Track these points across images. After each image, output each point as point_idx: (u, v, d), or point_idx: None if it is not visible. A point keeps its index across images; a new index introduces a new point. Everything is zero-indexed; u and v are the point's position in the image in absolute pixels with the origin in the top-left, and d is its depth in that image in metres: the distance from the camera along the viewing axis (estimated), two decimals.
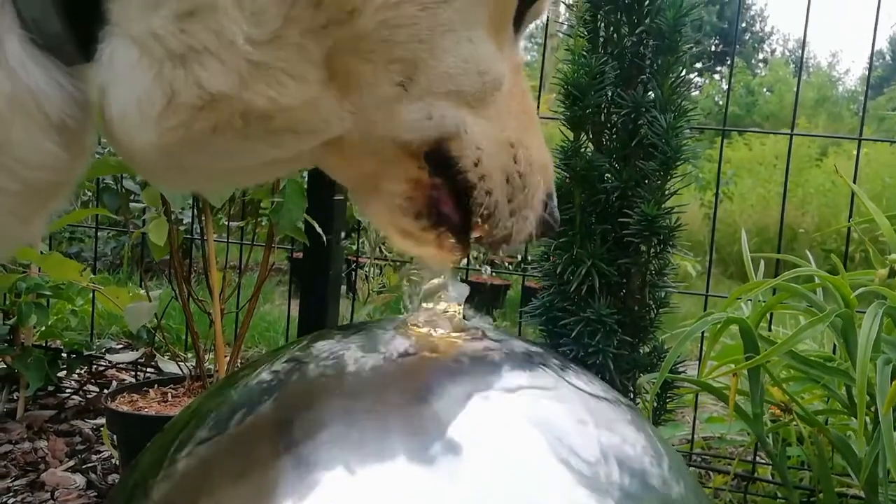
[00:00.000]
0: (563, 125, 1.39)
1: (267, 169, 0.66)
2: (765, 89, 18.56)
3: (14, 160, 0.53)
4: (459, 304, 0.72)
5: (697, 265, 4.76)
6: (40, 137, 0.53)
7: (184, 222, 1.80)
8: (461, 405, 0.58)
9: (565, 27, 1.44)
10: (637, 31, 1.36)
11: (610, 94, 1.37)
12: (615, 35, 1.39)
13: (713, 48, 21.60)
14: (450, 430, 0.55)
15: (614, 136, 1.39)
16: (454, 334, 0.70)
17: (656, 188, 1.33)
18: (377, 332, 0.70)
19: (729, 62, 20.30)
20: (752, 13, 25.73)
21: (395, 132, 0.60)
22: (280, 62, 0.53)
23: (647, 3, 1.36)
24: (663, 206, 1.32)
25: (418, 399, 0.58)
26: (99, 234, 4.30)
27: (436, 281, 0.72)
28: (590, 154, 1.38)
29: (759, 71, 21.96)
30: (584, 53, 1.37)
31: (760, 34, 26.27)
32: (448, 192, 0.65)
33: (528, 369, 0.67)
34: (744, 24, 24.70)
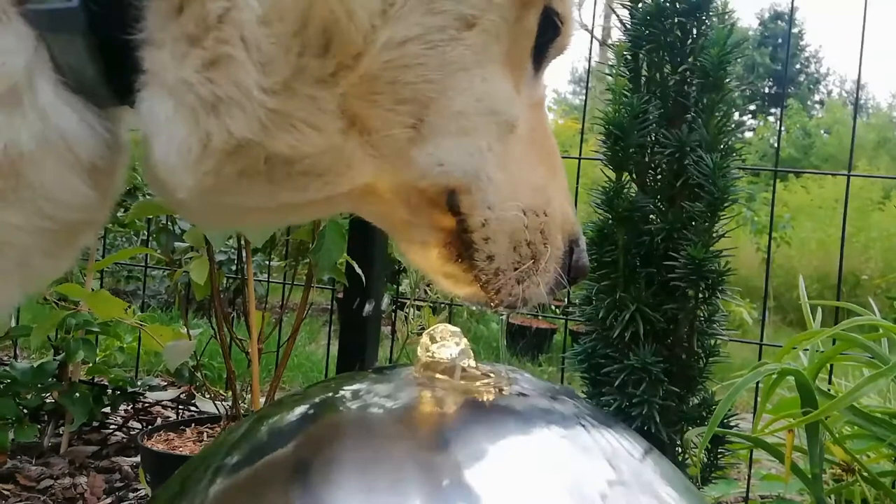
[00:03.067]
0: (606, 166, 1.36)
1: (301, 210, 0.67)
2: (822, 131, 18.15)
3: (46, 199, 0.54)
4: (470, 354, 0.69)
5: (754, 311, 4.59)
6: (71, 178, 0.55)
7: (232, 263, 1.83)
8: (480, 456, 0.55)
9: (607, 67, 1.42)
10: (680, 70, 1.33)
11: (654, 134, 1.34)
12: (658, 74, 1.36)
13: (767, 90, 21.30)
14: (467, 481, 0.51)
15: (659, 177, 1.35)
16: (479, 382, 0.66)
17: (703, 230, 1.27)
18: (402, 376, 0.68)
19: (784, 104, 19.94)
20: (807, 54, 25.32)
21: (411, 178, 0.59)
22: (297, 111, 0.54)
23: (689, 41, 1.34)
24: (711, 248, 1.26)
25: (436, 447, 0.55)
26: (154, 273, 4.44)
27: (447, 330, 0.70)
28: (633, 195, 1.34)
29: (815, 112, 21.51)
30: (626, 93, 1.35)
31: (816, 75, 25.76)
32: (464, 245, 0.64)
33: (555, 422, 0.63)
34: (798, 66, 24.33)
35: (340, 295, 1.86)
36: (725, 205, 1.27)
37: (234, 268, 2.26)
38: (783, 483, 1.77)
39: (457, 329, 0.71)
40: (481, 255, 0.63)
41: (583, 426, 0.66)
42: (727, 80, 1.29)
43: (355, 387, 0.65)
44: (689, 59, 1.33)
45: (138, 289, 4.74)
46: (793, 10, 2.01)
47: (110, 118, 0.57)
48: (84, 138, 0.54)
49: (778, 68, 15.66)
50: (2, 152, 0.51)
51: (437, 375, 0.67)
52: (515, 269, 0.63)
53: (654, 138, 1.34)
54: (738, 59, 1.32)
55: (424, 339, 0.70)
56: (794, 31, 23.91)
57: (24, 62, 0.51)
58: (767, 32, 22.18)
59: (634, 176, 1.37)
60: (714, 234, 1.28)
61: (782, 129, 17.07)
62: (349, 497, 0.50)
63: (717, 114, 1.29)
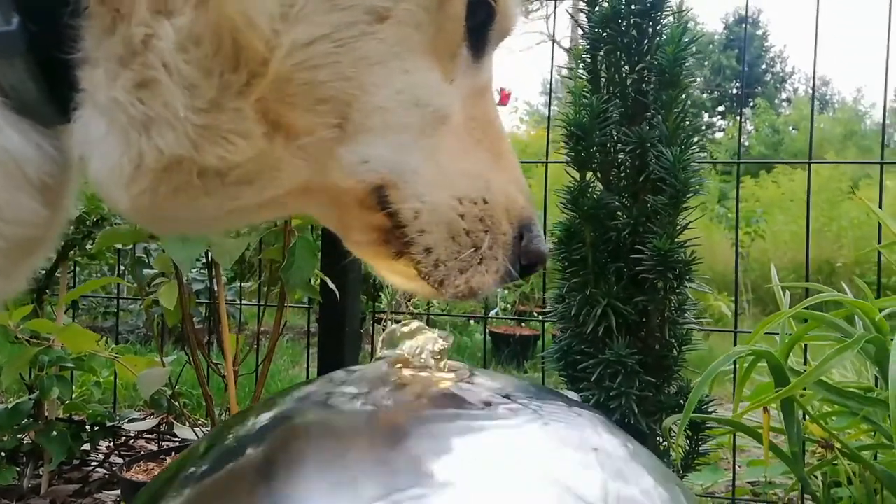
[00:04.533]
0: (570, 166, 1.37)
1: (249, 214, 0.67)
2: (790, 128, 18.46)
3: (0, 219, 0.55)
4: (443, 346, 0.69)
5: (732, 305, 4.64)
6: (21, 196, 0.55)
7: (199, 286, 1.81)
8: (447, 449, 0.55)
9: (564, 70, 1.45)
10: (638, 69, 1.35)
11: (615, 132, 1.36)
12: (616, 74, 1.39)
13: (734, 91, 21.67)
14: (429, 473, 0.51)
15: (622, 174, 1.37)
16: (440, 374, 0.66)
17: (668, 222, 1.29)
18: (371, 374, 0.68)
19: (752, 104, 20.29)
20: (772, 55, 25.81)
21: (339, 178, 0.59)
22: (225, 124, 0.54)
23: (646, 41, 1.36)
24: (676, 239, 1.28)
25: (395, 441, 0.55)
26: (132, 307, 4.39)
27: (411, 325, 0.70)
28: (598, 193, 1.36)
29: (783, 110, 21.89)
30: (586, 94, 1.37)
31: (782, 74, 26.25)
32: (401, 241, 0.62)
33: (520, 411, 0.63)
34: (764, 66, 24.78)
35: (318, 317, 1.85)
36: (688, 196, 1.29)
37: (209, 297, 2.25)
38: (767, 467, 1.79)
39: (422, 324, 0.70)
40: (418, 247, 0.62)
41: (556, 419, 0.67)
42: (683, 77, 1.32)
43: (318, 387, 0.64)
44: (647, 58, 1.35)
45: (114, 325, 4.69)
46: (747, 11, 2.05)
47: (57, 136, 0.58)
48: (31, 157, 0.55)
49: (746, 70, 15.95)
50: None
51: (405, 369, 0.67)
52: (456, 259, 0.62)
53: (615, 136, 1.36)
54: (696, 57, 1.35)
55: (392, 332, 0.70)
56: (759, 32, 24.40)
57: None
58: (733, 36, 22.62)
59: (598, 175, 1.39)
60: (678, 226, 1.30)
61: (750, 126, 17.30)
62: (312, 495, 0.50)
63: (675, 109, 1.32)
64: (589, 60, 1.40)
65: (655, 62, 1.33)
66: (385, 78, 0.56)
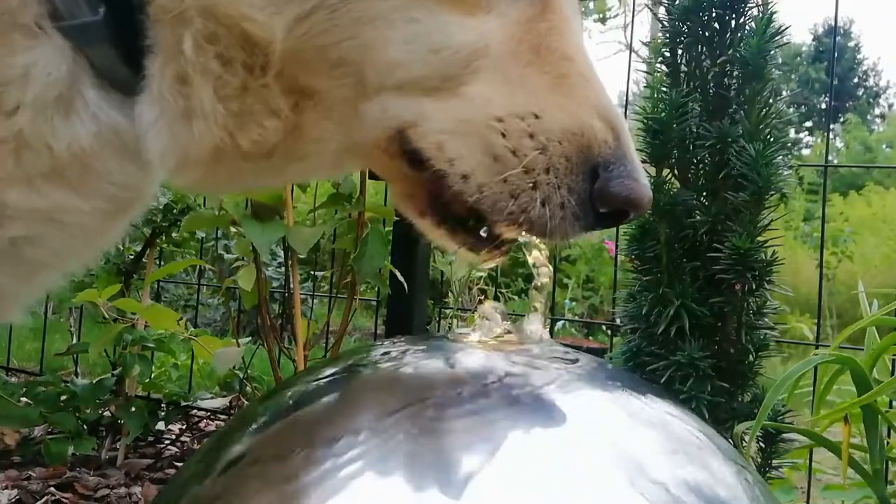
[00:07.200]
0: (646, 161, 1.35)
1: (299, 178, 0.71)
2: (884, 146, 17.50)
3: (109, 184, 0.62)
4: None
5: (814, 326, 4.41)
6: (125, 163, 0.62)
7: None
8: (523, 416, 0.54)
9: (644, 63, 1.42)
10: (720, 62, 1.31)
11: (694, 127, 1.32)
12: (697, 69, 1.35)
13: (823, 106, 20.71)
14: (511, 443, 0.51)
15: (701, 171, 1.33)
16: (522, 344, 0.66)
17: (748, 221, 1.24)
18: (446, 343, 0.68)
19: (842, 119, 19.34)
20: (865, 68, 24.56)
21: (364, 133, 0.60)
22: (254, 105, 0.58)
23: (728, 34, 1.32)
24: (757, 239, 1.23)
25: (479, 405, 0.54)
26: (210, 301, 4.57)
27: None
28: (675, 190, 1.32)
29: (875, 127, 20.78)
30: (665, 88, 1.34)
31: (875, 89, 24.94)
32: (440, 184, 0.60)
33: (603, 387, 0.62)
34: (856, 80, 23.61)
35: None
36: (770, 194, 1.24)
37: (283, 294, 2.31)
38: (843, 491, 1.68)
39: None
40: (454, 178, 0.58)
41: (633, 394, 0.65)
42: (767, 70, 1.27)
43: (391, 349, 0.65)
44: (729, 52, 1.31)
45: (193, 318, 4.88)
46: (836, 21, 1.95)
47: None
48: (128, 128, 0.60)
49: (835, 83, 15.24)
50: (67, 151, 0.58)
51: (484, 338, 0.67)
52: (503, 181, 0.57)
53: (694, 132, 1.32)
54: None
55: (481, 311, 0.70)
56: (851, 44, 23.28)
57: (66, 70, 0.57)
58: (822, 47, 21.65)
59: (676, 172, 1.35)
60: (759, 225, 1.25)
61: (839, 143, 16.48)
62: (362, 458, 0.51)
63: (758, 103, 1.27)
64: (668, 54, 1.37)
65: (738, 55, 1.29)
66: (388, 32, 0.57)
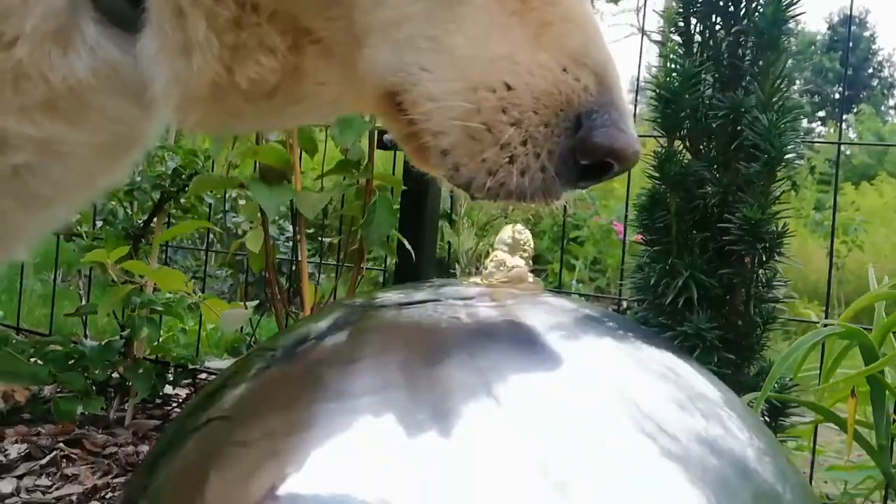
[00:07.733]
0: (656, 129, 1.34)
1: (306, 119, 0.70)
2: None
3: (104, 118, 0.61)
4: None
5: (822, 314, 4.40)
6: (120, 99, 0.61)
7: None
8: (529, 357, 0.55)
9: (656, 33, 1.41)
10: (734, 31, 1.30)
11: (707, 98, 1.31)
12: (711, 39, 1.34)
13: (836, 96, 20.48)
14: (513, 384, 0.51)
15: (713, 141, 1.32)
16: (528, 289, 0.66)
17: (760, 192, 1.24)
18: (453, 287, 0.68)
19: (855, 110, 19.11)
20: (880, 58, 24.24)
21: (361, 81, 0.58)
22: (248, 41, 0.57)
23: (743, 3, 1.31)
24: (768, 210, 1.22)
25: (475, 350, 0.55)
26: (217, 274, 4.59)
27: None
28: (686, 160, 1.32)
29: (890, 118, 20.56)
30: (678, 58, 1.33)
31: (890, 80, 24.62)
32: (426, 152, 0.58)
33: (608, 334, 0.62)
34: (870, 70, 23.32)
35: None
36: (782, 165, 1.23)
37: (291, 262, 2.31)
38: (847, 472, 1.68)
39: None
40: (435, 152, 0.56)
41: (639, 341, 0.66)
42: (782, 39, 1.26)
43: (397, 294, 0.65)
44: (744, 22, 1.30)
45: (201, 289, 4.90)
46: (851, 10, 1.90)
47: None
48: (127, 64, 0.60)
49: (849, 73, 15.06)
50: (63, 83, 0.58)
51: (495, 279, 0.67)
52: (480, 161, 0.54)
53: (707, 102, 1.31)
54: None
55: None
56: (866, 34, 22.96)
57: (64, 3, 0.57)
58: (837, 37, 21.35)
59: (688, 143, 1.34)
60: (771, 196, 1.24)
61: (852, 134, 16.32)
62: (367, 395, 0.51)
63: (772, 73, 1.26)
64: (682, 23, 1.36)
65: (753, 24, 1.28)
66: None
